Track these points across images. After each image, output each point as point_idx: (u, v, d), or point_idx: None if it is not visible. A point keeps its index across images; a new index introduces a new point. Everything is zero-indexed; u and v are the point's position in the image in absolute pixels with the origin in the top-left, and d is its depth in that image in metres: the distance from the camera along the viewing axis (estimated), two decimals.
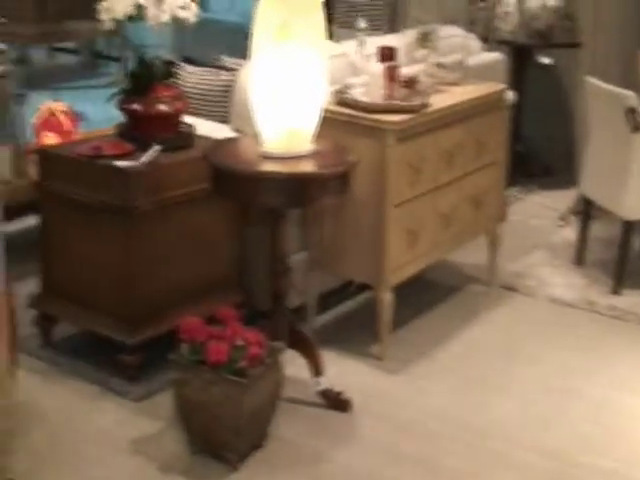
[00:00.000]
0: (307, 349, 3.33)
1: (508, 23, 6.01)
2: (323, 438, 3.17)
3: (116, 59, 8.11)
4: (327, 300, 4.03)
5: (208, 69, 4.10)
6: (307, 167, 3.14)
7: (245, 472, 2.96)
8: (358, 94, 3.75)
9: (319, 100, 3.22)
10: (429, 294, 4.31)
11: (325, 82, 3.22)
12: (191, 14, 3.62)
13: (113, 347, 3.40)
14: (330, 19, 7.39)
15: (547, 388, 3.56)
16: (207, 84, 4.01)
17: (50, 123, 4.53)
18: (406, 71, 3.93)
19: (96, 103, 4.96)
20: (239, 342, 2.92)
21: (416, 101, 3.73)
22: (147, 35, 3.66)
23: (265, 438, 3.10)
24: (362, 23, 3.85)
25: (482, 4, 6.09)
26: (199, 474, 2.94)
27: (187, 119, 3.84)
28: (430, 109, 3.77)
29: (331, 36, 6.67)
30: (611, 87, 4.49)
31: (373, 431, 3.22)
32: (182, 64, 4.19)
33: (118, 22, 3.59)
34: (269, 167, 3.13)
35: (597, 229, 4.91)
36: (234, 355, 2.89)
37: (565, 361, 3.77)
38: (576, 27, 5.70)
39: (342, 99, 3.73)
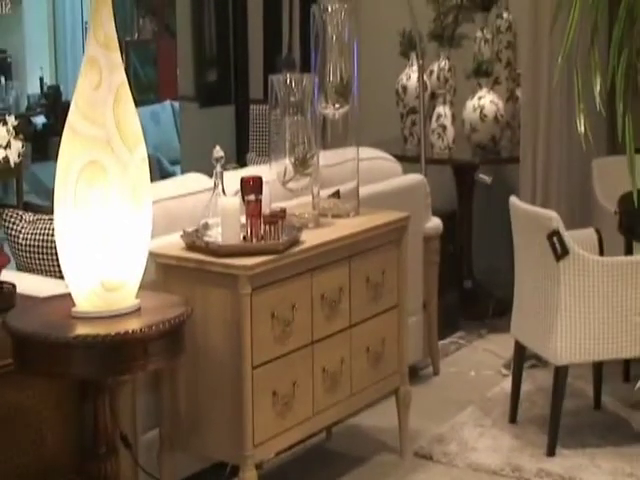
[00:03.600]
0: None
1: (445, 138, 6.13)
2: None
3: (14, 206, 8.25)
4: None
5: (46, 216, 4.14)
6: (124, 326, 3.13)
7: None
8: (214, 235, 3.79)
9: (141, 249, 3.25)
10: (328, 468, 4.27)
11: (148, 229, 3.26)
12: (14, 153, 3.67)
13: None
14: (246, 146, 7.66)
15: None
16: (40, 234, 4.05)
17: None
18: (277, 205, 3.99)
19: None
20: None
21: (281, 239, 3.77)
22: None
23: None
24: (219, 152, 3.90)
25: (414, 117, 6.23)
26: None
27: (15, 276, 3.89)
28: (299, 248, 3.82)
29: (245, 164, 6.88)
30: (532, 208, 4.56)
31: None
32: (18, 212, 4.23)
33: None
34: (79, 330, 3.13)
35: (545, 378, 4.90)
36: None
37: None
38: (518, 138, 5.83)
39: (192, 242, 3.77)
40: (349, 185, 4.36)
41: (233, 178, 3.95)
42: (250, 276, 3.59)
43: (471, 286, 6.20)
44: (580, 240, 4.40)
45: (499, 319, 5.75)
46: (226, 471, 3.99)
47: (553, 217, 4.28)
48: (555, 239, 4.23)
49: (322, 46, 4.18)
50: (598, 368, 4.70)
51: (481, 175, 6.13)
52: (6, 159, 3.60)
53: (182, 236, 3.79)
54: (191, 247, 3.75)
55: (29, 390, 3.52)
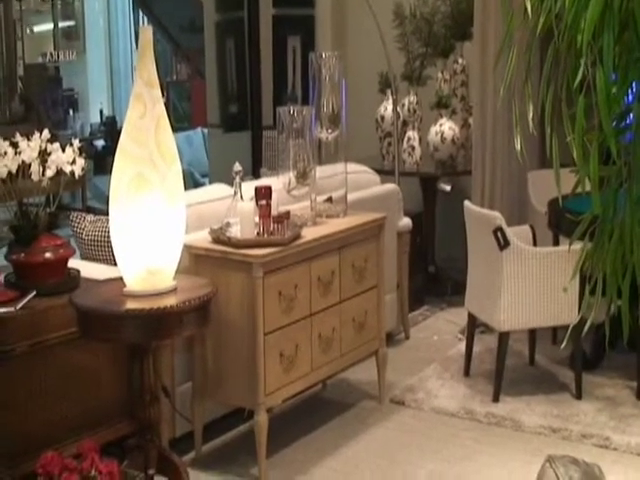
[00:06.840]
0: (176, 475, 3.26)
1: (414, 156, 6.10)
2: None
3: (79, 209, 8.19)
4: (219, 425, 3.97)
5: (103, 217, 4.12)
6: (164, 302, 3.12)
7: None
8: (234, 231, 3.77)
9: (177, 242, 3.23)
10: (323, 412, 4.24)
11: (183, 226, 3.24)
12: (78, 168, 3.64)
13: None
14: (259, 163, 7.62)
15: None
16: (99, 231, 4.03)
17: None
18: (285, 208, 3.97)
19: None
20: (92, 473, 2.86)
21: (286, 234, 3.75)
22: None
23: None
24: (238, 167, 3.89)
25: (389, 139, 6.20)
26: None
27: (80, 264, 3.86)
28: (300, 241, 3.79)
29: (259, 176, 6.84)
30: (481, 209, 4.52)
31: None
32: (82, 214, 4.21)
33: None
34: (128, 305, 3.11)
35: (491, 341, 4.89)
36: None
37: (434, 472, 3.68)
38: (470, 156, 5.81)
39: (217, 237, 3.75)
40: (339, 192, 4.32)
41: (249, 187, 3.92)
42: (262, 263, 3.57)
43: (434, 271, 6.17)
44: (518, 234, 4.37)
45: (456, 296, 5.71)
46: (244, 414, 3.97)
47: (497, 216, 4.26)
48: (499, 234, 4.21)
49: (318, 84, 4.15)
50: (532, 333, 4.69)
51: (442, 184, 6.10)
52: (72, 172, 3.57)
53: (209, 232, 3.77)
54: (216, 241, 3.73)
55: (90, 352, 3.52)
